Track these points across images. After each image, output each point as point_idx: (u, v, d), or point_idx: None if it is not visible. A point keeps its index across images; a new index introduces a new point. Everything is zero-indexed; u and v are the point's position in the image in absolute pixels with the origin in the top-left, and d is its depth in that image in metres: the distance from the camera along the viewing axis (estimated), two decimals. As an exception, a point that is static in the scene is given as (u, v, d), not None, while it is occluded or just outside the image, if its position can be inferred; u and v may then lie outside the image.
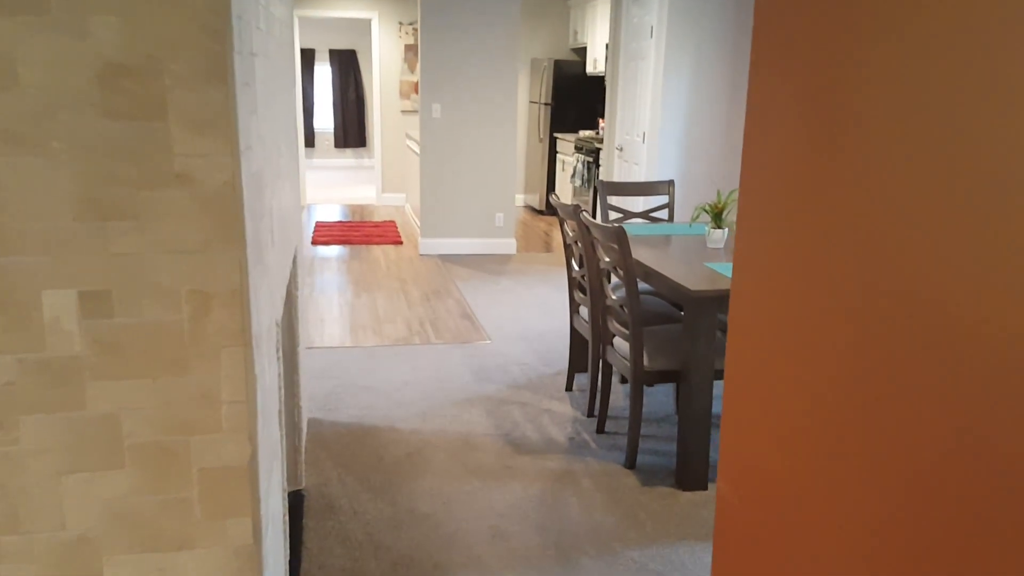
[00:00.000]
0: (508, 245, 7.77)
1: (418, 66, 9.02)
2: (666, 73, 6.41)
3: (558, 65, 9.45)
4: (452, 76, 7.36)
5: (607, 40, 8.68)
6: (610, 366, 3.68)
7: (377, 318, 5.54)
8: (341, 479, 3.27)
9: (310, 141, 15.18)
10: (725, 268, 3.40)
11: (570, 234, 3.95)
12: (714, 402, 3.68)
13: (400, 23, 10.24)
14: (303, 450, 3.29)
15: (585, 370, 4.52)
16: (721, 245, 3.82)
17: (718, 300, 3.09)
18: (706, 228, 3.85)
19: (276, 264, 2.04)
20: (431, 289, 6.36)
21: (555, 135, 9.66)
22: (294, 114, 3.27)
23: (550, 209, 9.93)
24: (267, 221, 1.81)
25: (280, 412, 1.94)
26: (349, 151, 15.40)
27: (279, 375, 1.96)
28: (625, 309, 3.32)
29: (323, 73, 14.87)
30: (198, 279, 1.36)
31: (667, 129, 6.51)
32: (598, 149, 8.24)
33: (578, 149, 8.77)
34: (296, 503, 2.92)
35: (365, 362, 4.64)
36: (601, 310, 3.61)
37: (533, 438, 3.69)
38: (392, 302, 5.95)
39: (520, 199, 10.71)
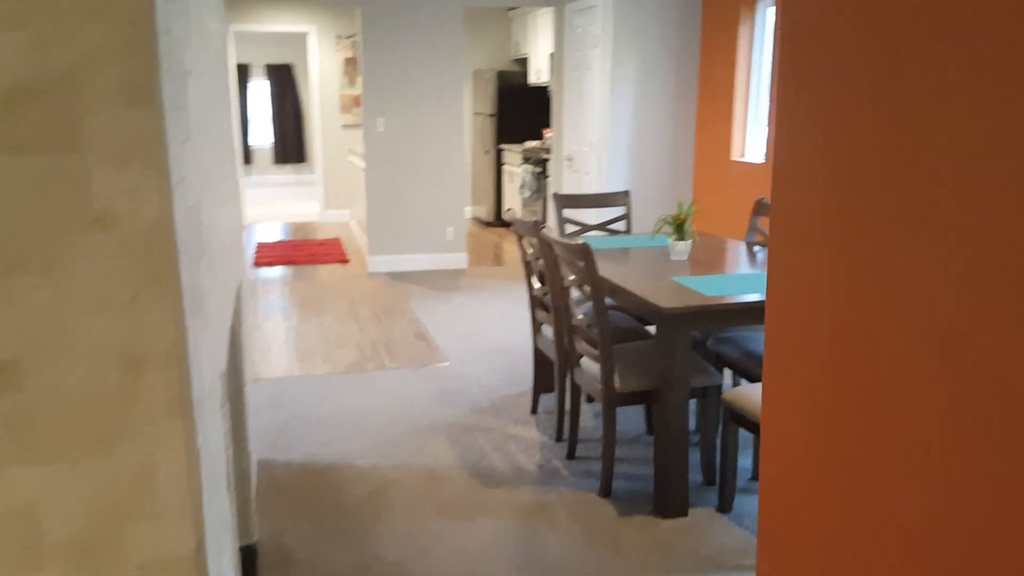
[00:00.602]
0: (459, 260, 7.57)
1: (359, 79, 8.78)
2: (613, 82, 6.31)
3: (501, 76, 9.31)
4: (396, 89, 7.16)
5: (550, 50, 8.57)
6: (578, 388, 3.52)
7: (327, 343, 5.30)
8: (297, 527, 3.04)
9: (247, 158, 14.78)
10: (693, 282, 3.26)
11: (529, 251, 3.78)
12: (690, 420, 3.54)
13: (338, 36, 9.99)
14: (253, 499, 3.05)
15: (550, 390, 4.35)
16: (685, 257, 3.69)
17: (692, 316, 2.94)
18: (668, 240, 3.72)
19: (218, 307, 1.82)
20: (382, 309, 6.13)
21: (501, 146, 9.51)
22: (231, 134, 3.04)
23: (499, 221, 9.77)
24: (207, 261, 1.60)
25: (228, 475, 1.72)
26: (289, 167, 15.03)
27: (225, 433, 1.74)
28: (593, 328, 3.15)
29: (258, 89, 14.50)
30: (126, 339, 1.15)
31: (616, 139, 6.40)
32: (545, 160, 8.10)
33: (525, 160, 8.63)
34: (248, 560, 2.68)
35: (317, 392, 4.40)
36: (566, 329, 3.44)
37: (501, 468, 3.50)
38: (342, 325, 5.71)
39: (468, 211, 10.52)
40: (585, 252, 3.02)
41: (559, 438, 3.76)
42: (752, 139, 5.94)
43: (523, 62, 10.04)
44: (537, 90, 9.50)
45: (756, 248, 3.96)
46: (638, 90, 6.35)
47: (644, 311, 3.07)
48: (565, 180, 7.30)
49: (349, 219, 10.32)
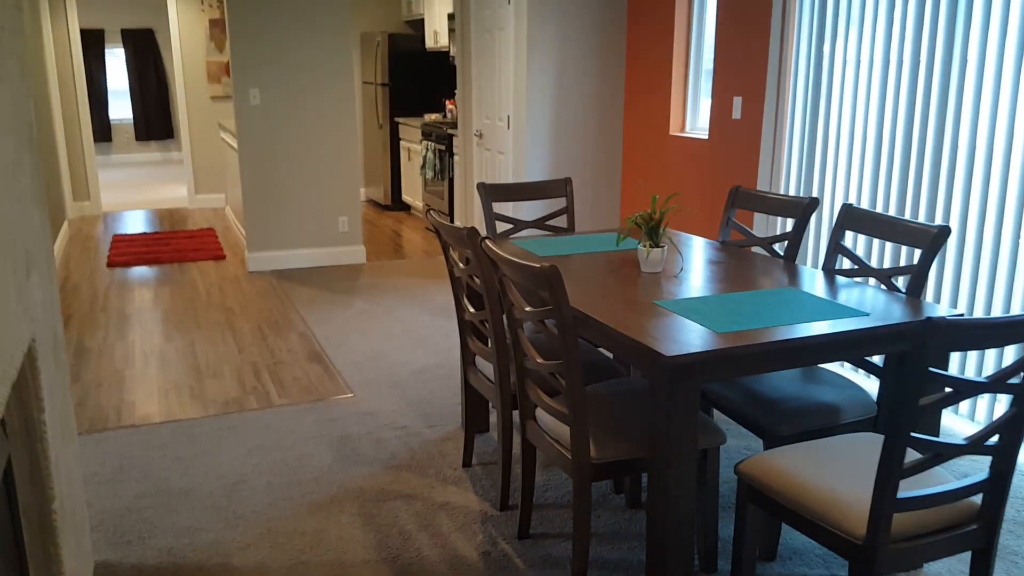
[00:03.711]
0: (356, 253, 6.57)
1: (227, 45, 7.59)
2: (530, 46, 5.43)
3: (393, 40, 8.27)
4: (270, 55, 6.05)
5: (450, 10, 7.60)
6: (532, 448, 2.67)
7: (197, 371, 4.26)
8: None
9: (106, 135, 13.17)
10: (687, 309, 2.45)
11: (460, 265, 2.88)
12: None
13: (202, -6, 8.70)
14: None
15: (485, 429, 3.49)
16: (660, 269, 2.87)
17: (703, 365, 2.13)
18: (638, 246, 2.90)
19: None
20: (267, 320, 5.10)
21: (396, 120, 8.49)
22: (21, 108, 2.02)
23: (397, 203, 8.78)
24: None
25: None
26: (154, 144, 13.52)
27: None
28: (561, 379, 2.30)
29: (117, 57, 12.89)
30: None
31: (535, 111, 5.54)
32: (451, 135, 7.17)
33: (426, 136, 7.66)
34: None
35: (181, 448, 3.39)
36: (516, 370, 2.58)
37: (433, 559, 2.62)
38: (216, 344, 4.67)
39: (361, 193, 9.46)
40: (552, 279, 2.16)
41: (504, 505, 2.90)
42: (695, 111, 5.19)
43: (418, 24, 9.01)
44: (436, 56, 8.51)
45: (749, 250, 3.19)
46: (560, 54, 5.50)
47: (629, 354, 2.24)
48: (477, 160, 6.39)
49: (224, 204, 9.11)
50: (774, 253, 3.27)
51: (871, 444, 2.25)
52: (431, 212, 2.96)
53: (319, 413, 3.73)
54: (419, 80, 8.53)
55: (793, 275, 2.86)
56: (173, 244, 7.23)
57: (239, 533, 2.77)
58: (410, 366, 4.30)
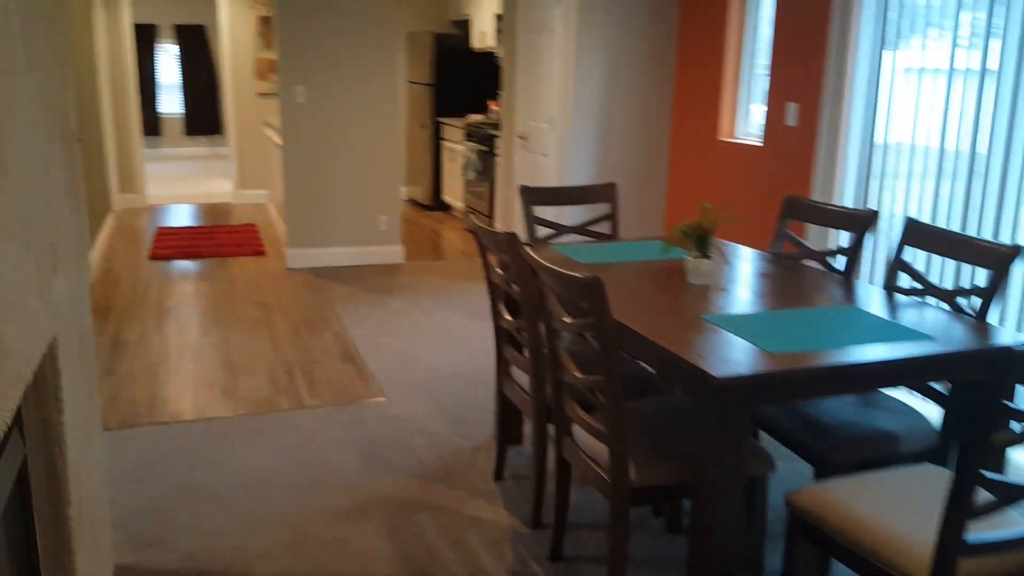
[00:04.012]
0: (394, 253, 6.51)
1: (275, 43, 7.58)
2: (579, 47, 5.31)
3: (439, 40, 8.21)
4: (317, 53, 6.01)
5: (496, 10, 7.51)
6: (567, 465, 2.55)
7: (231, 368, 4.21)
8: None
9: (155, 128, 13.33)
10: (737, 325, 2.31)
11: (498, 271, 2.78)
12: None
13: (252, -9, 8.72)
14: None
15: (518, 441, 3.38)
16: (708, 281, 2.74)
17: (756, 387, 2.00)
18: (685, 256, 2.77)
19: None
20: (303, 318, 5.05)
21: (440, 120, 8.43)
22: (56, 99, 1.96)
23: (438, 204, 8.71)
24: None
25: None
26: (202, 138, 13.65)
27: None
28: (600, 396, 2.18)
29: (169, 52, 13.03)
30: None
31: (581, 114, 5.42)
32: (493, 136, 7.07)
33: (469, 136, 7.58)
34: None
35: (209, 447, 3.34)
36: (552, 383, 2.46)
37: (461, 576, 2.52)
38: (252, 341, 4.62)
39: (403, 192, 9.42)
40: (594, 289, 2.04)
41: (536, 523, 2.79)
42: (746, 115, 5.02)
43: (464, 24, 8.94)
44: (482, 56, 8.44)
45: (802, 263, 3.04)
46: (609, 56, 5.37)
47: (674, 372, 2.11)
48: (519, 162, 6.29)
49: (266, 200, 9.12)
50: (829, 267, 3.11)
51: (933, 478, 2.09)
52: (470, 215, 2.86)
53: (349, 416, 3.65)
54: (464, 80, 8.46)
55: (850, 292, 2.71)
56: (215, 239, 7.24)
57: (262, 539, 2.69)
58: (444, 370, 4.21)
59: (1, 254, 1.33)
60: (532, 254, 2.32)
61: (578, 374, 2.26)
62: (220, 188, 10.21)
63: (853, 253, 3.01)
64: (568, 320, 2.23)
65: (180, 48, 12.92)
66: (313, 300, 5.45)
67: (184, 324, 4.91)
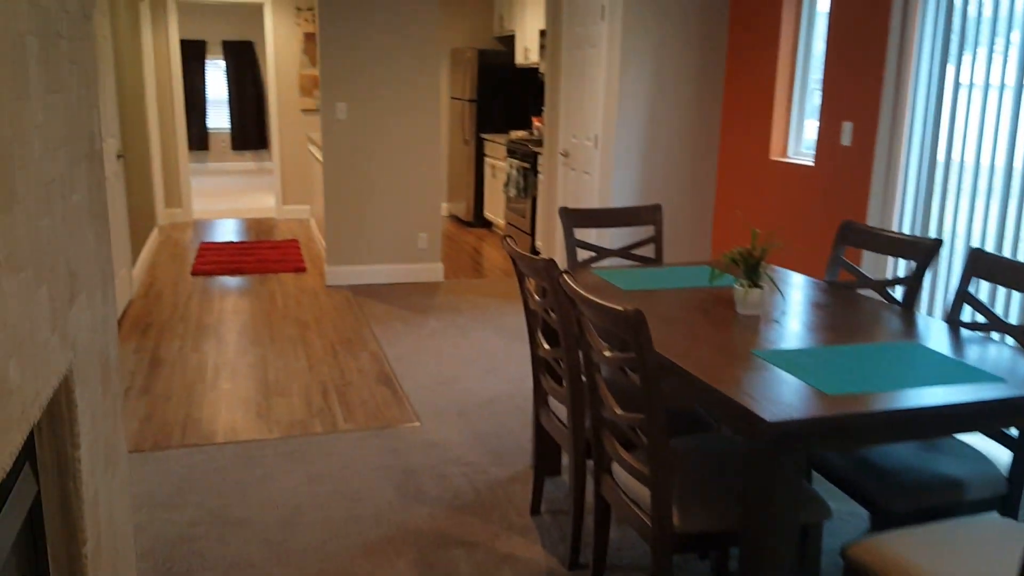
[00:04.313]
0: (434, 271, 6.44)
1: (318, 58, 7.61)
2: (623, 63, 5.20)
3: (482, 56, 8.16)
4: (360, 69, 5.99)
5: (541, 26, 7.44)
6: (607, 505, 2.42)
7: (266, 388, 4.15)
8: None
9: (203, 143, 13.50)
10: (791, 362, 2.17)
11: (536, 298, 2.67)
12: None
13: (298, 8, 8.77)
14: None
15: (556, 472, 3.26)
16: (759, 312, 2.59)
17: (812, 431, 1.85)
18: (734, 284, 2.63)
19: None
20: (340, 337, 4.99)
21: (482, 136, 8.37)
22: (81, 119, 1.91)
23: (479, 220, 8.64)
24: None
25: None
26: (248, 153, 13.79)
27: None
28: (644, 436, 2.06)
29: (218, 68, 13.21)
30: None
31: (625, 132, 5.29)
32: (535, 153, 6.98)
33: (511, 153, 7.50)
34: None
35: (241, 471, 3.27)
36: (595, 420, 2.34)
37: (493, 619, 2.40)
38: (288, 360, 4.57)
39: (444, 208, 9.37)
40: (635, 324, 1.92)
41: (574, 563, 2.66)
42: (799, 133, 4.86)
43: (509, 40, 8.89)
44: (525, 73, 8.37)
45: (860, 292, 2.88)
46: (654, 72, 5.24)
47: (722, 411, 1.98)
48: (561, 179, 6.18)
49: (309, 216, 9.14)
50: (888, 298, 2.95)
51: (1002, 530, 1.93)
52: (507, 239, 2.75)
53: (384, 441, 3.56)
54: (507, 97, 8.40)
55: (911, 326, 2.55)
56: (257, 254, 7.25)
57: (290, 572, 2.60)
58: (480, 394, 4.10)
59: (7, 288, 1.26)
60: (571, 283, 2.21)
61: (618, 410, 2.14)
62: (264, 203, 10.27)
63: (914, 283, 2.84)
64: (608, 354, 2.10)
65: (228, 64, 13.09)
66: (351, 319, 5.39)
67: (222, 342, 4.88)
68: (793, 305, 2.73)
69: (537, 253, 6.93)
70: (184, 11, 12.68)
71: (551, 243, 6.48)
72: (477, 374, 4.39)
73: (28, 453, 1.59)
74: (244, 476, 3.23)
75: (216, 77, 13.30)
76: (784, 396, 1.94)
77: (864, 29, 4.10)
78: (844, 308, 2.71)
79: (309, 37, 8.83)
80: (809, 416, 1.84)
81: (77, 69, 1.86)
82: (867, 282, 2.99)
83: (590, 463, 3.22)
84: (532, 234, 7.12)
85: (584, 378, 2.38)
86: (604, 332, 2.32)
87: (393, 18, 5.97)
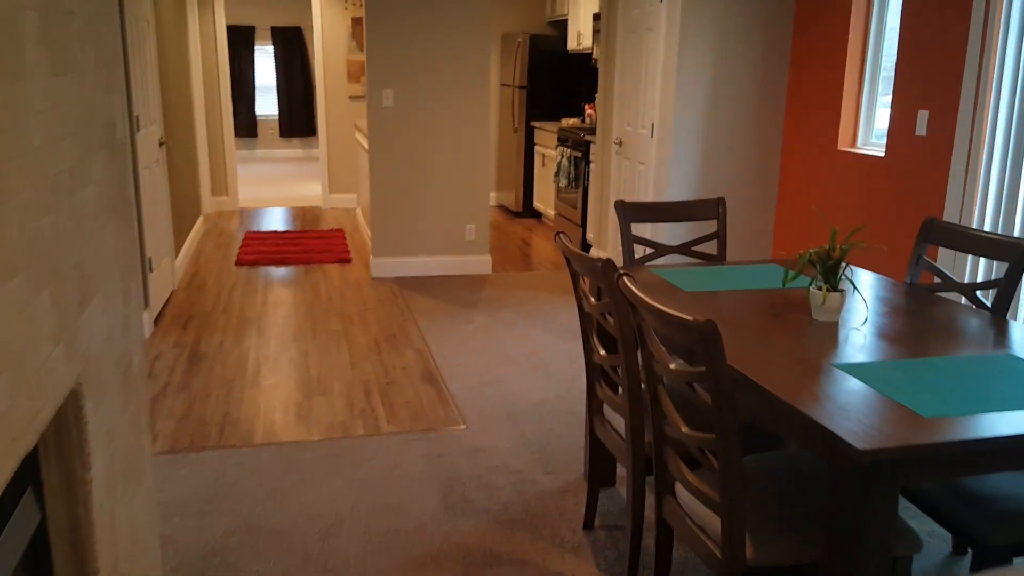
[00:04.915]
0: (481, 263, 6.26)
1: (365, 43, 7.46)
2: (682, 47, 4.93)
3: (534, 41, 7.93)
4: (407, 55, 5.81)
5: (595, 10, 7.18)
6: (669, 529, 2.21)
7: (307, 385, 4.02)
8: None
9: (251, 130, 13.50)
10: (878, 376, 1.93)
11: (591, 299, 2.46)
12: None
13: (346, -7, 8.64)
14: None
15: (611, 483, 3.05)
16: (836, 318, 2.35)
17: (909, 461, 1.62)
18: (809, 285, 2.39)
19: None
20: (384, 332, 4.84)
21: (532, 124, 8.15)
22: (97, 106, 1.75)
23: (527, 210, 8.44)
24: None
25: None
26: (296, 140, 13.76)
27: None
28: (714, 459, 1.84)
29: (267, 54, 13.18)
30: None
31: (683, 119, 5.04)
32: (588, 142, 6.74)
33: (562, 141, 7.27)
34: None
35: (278, 476, 3.13)
36: (657, 435, 2.13)
37: (542, 650, 2.21)
38: (331, 356, 4.43)
39: (492, 197, 9.18)
40: (708, 337, 1.70)
41: (630, 586, 2.46)
42: (868, 124, 4.56)
43: (561, 25, 8.64)
44: (577, 58, 8.12)
45: (940, 295, 2.61)
46: (714, 56, 4.98)
47: (805, 436, 1.75)
48: (614, 169, 5.95)
49: (355, 205, 9.03)
50: (978, 303, 2.68)
51: None
52: (560, 235, 2.55)
53: (428, 446, 3.39)
54: (559, 83, 8.16)
55: (1004, 335, 2.28)
56: (302, 244, 7.14)
57: (326, 590, 2.45)
58: (529, 395, 3.91)
59: (-9, 299, 1.10)
60: (632, 287, 2.00)
61: (685, 428, 1.92)
62: (311, 191, 10.20)
63: (1007, 288, 2.57)
64: (674, 367, 1.89)
65: (277, 50, 13.04)
66: (396, 312, 5.24)
67: (264, 336, 4.76)
68: (873, 309, 2.48)
69: (588, 246, 6.71)
70: (233, -2, 12.64)
71: (603, 236, 6.25)
72: (525, 373, 4.20)
73: (32, 477, 1.44)
74: (282, 482, 3.09)
75: (265, 63, 13.27)
76: (875, 418, 1.71)
77: (943, 9, 3.79)
78: (930, 314, 2.46)
79: (356, 22, 8.69)
80: (906, 444, 1.60)
81: (93, 49, 1.70)
82: (954, 285, 2.72)
83: (650, 478, 3.02)
84: (583, 226, 6.89)
85: (645, 389, 2.17)
86: (667, 340, 2.11)
87: (441, 2, 5.78)
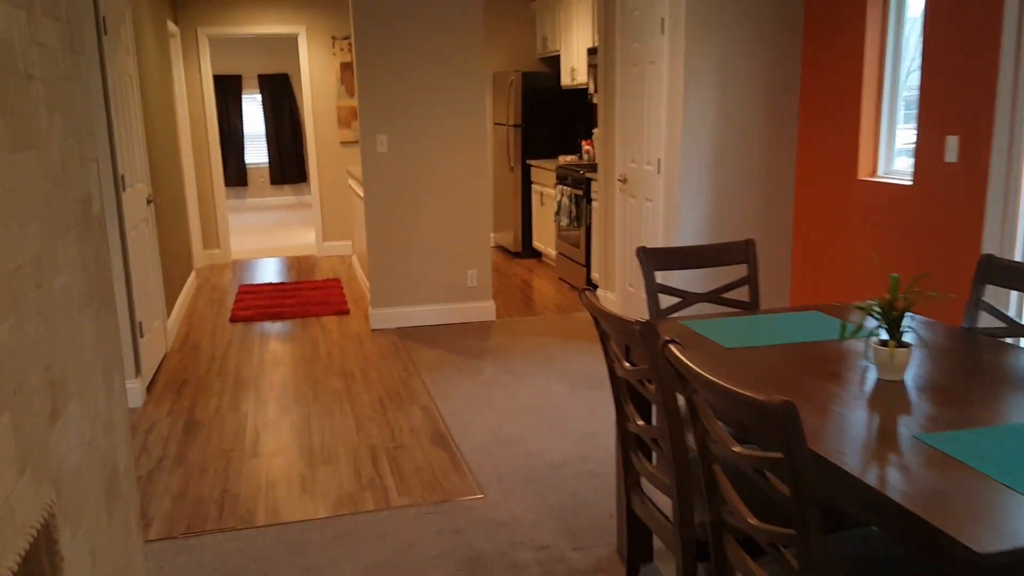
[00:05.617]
0: (485, 310, 6.02)
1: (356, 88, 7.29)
2: (687, 79, 4.75)
3: (526, 78, 7.78)
4: (399, 99, 5.63)
5: (588, 44, 7.04)
6: (731, 624, 1.95)
7: (310, 455, 3.75)
8: None
9: (242, 179, 13.31)
10: (973, 453, 1.69)
11: (626, 364, 2.22)
12: None
13: (333, 38, 8.49)
14: None
15: (649, 559, 2.79)
16: (902, 376, 2.11)
17: (1035, 567, 1.38)
18: (869, 338, 2.16)
19: None
20: (388, 390, 4.58)
21: (528, 162, 7.97)
22: (68, 181, 1.52)
23: (527, 250, 8.22)
24: None
25: None
26: (288, 188, 13.57)
27: None
28: (794, 560, 1.59)
29: (255, 102, 13.03)
30: None
31: (691, 154, 4.84)
32: (588, 179, 6.55)
33: (561, 179, 7.08)
34: None
35: (283, 563, 2.85)
36: (714, 520, 1.88)
37: None
38: (334, 419, 4.17)
39: (490, 238, 8.95)
40: (786, 419, 1.47)
41: None
42: (889, 151, 4.36)
43: (553, 61, 8.51)
44: (572, 94, 7.96)
45: (1002, 341, 2.38)
46: (721, 89, 4.79)
47: (903, 529, 1.51)
48: (619, 207, 5.74)
49: (350, 252, 8.81)
50: (1046, 347, 2.45)
51: None
52: (585, 292, 2.32)
53: (444, 520, 3.12)
54: (553, 120, 8.00)
55: (1092, 385, 2.05)
56: (298, 296, 6.90)
57: None
58: (548, 456, 3.66)
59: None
60: (681, 356, 1.76)
61: (753, 521, 1.67)
62: (304, 239, 9.98)
63: (1081, 329, 2.34)
64: (739, 450, 1.65)
65: (265, 97, 12.90)
66: (399, 367, 4.99)
67: (262, 399, 4.50)
68: (939, 364, 2.25)
69: (594, 287, 6.48)
70: (217, 45, 12.52)
71: (610, 276, 6.03)
72: (542, 430, 3.94)
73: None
74: (287, 569, 2.82)
75: (253, 111, 13.12)
76: (984, 509, 1.47)
77: (969, 27, 3.61)
78: (1003, 365, 2.23)
79: (345, 67, 8.54)
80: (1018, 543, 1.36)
81: (61, 115, 1.48)
82: (1019, 330, 2.49)
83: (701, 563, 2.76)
84: (587, 265, 6.68)
85: (702, 468, 1.92)
86: (726, 416, 1.87)
87: (434, 44, 5.61)
